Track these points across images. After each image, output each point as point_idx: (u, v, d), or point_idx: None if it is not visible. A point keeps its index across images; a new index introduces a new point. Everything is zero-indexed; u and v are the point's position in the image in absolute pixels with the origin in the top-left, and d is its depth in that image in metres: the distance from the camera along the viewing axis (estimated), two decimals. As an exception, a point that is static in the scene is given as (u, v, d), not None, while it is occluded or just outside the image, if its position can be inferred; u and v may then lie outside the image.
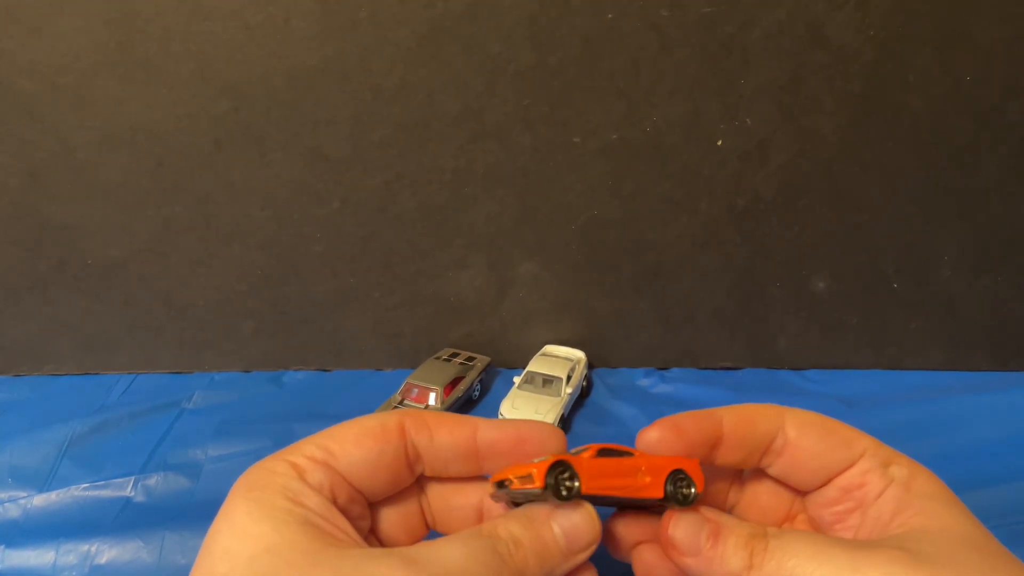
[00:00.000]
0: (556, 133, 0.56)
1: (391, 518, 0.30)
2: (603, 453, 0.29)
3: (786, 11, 0.52)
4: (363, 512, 0.29)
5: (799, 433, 0.30)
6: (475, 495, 0.31)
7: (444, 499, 0.31)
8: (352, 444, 0.28)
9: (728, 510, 0.33)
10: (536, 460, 0.27)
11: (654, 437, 0.30)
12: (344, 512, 0.27)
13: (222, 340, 0.65)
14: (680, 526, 0.27)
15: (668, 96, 0.55)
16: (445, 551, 0.24)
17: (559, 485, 0.27)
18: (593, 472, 0.27)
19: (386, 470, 0.29)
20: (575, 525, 0.27)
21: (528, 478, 0.27)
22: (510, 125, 0.56)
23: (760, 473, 0.32)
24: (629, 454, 0.29)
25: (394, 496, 0.30)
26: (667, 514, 0.28)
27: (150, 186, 0.58)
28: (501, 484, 0.29)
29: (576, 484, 0.27)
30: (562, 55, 0.54)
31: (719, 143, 0.57)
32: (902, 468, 0.29)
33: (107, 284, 0.62)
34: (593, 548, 0.27)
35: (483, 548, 0.25)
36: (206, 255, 0.61)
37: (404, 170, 0.58)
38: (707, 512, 0.28)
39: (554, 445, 0.30)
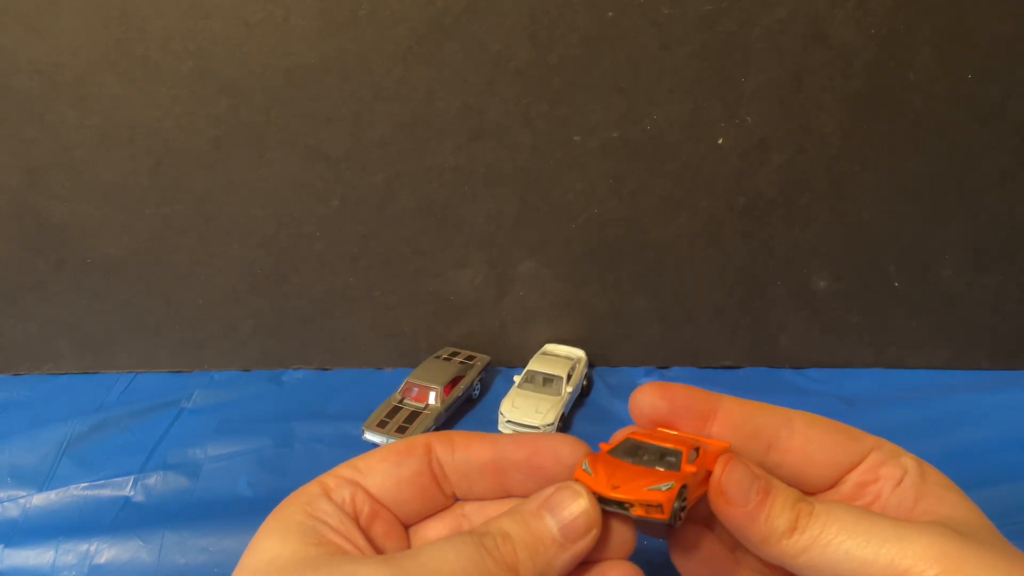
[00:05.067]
0: (556, 131, 0.56)
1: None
2: (628, 447, 0.29)
3: (787, 9, 0.52)
4: (390, 530, 0.28)
5: (807, 425, 0.30)
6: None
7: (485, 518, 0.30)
8: (377, 460, 0.29)
9: None
10: (663, 487, 0.26)
11: (646, 401, 0.30)
12: (367, 528, 0.27)
13: (222, 339, 0.65)
14: (733, 476, 0.27)
15: (669, 94, 0.55)
16: (428, 550, 0.24)
17: (677, 515, 0.26)
18: (692, 488, 0.27)
19: (409, 484, 0.29)
20: (570, 512, 0.26)
21: (657, 508, 0.26)
22: (510, 123, 0.56)
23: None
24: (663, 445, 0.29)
25: (437, 521, 0.30)
26: (721, 461, 0.28)
27: (149, 185, 0.58)
28: (607, 502, 0.27)
29: (685, 506, 0.26)
30: (562, 53, 0.54)
31: (720, 141, 0.56)
32: (913, 460, 0.29)
33: (106, 283, 0.62)
34: (594, 535, 0.26)
35: (467, 544, 0.25)
36: (205, 254, 0.61)
37: (404, 168, 0.58)
38: (757, 470, 0.28)
39: (569, 456, 0.29)
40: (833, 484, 0.30)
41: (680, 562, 0.30)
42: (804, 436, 0.30)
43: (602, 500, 0.27)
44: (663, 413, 0.30)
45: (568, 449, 0.29)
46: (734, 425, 0.30)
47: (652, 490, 0.26)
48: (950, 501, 0.27)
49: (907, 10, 0.52)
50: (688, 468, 0.27)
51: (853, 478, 0.30)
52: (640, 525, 0.28)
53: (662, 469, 0.27)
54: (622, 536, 0.27)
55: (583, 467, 0.28)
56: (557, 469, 0.29)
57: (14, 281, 0.62)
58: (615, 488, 0.26)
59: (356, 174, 0.58)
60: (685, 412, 0.30)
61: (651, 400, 0.30)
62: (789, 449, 0.30)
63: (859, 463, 0.30)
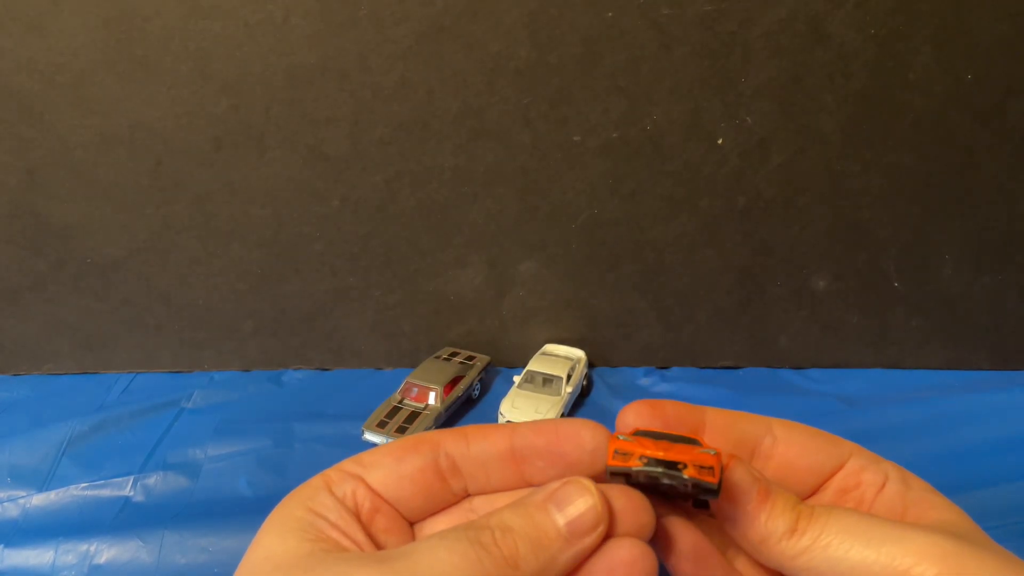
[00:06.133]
0: (556, 131, 0.56)
1: None
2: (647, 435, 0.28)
3: (787, 9, 0.52)
4: (392, 526, 0.28)
5: (787, 432, 0.30)
6: None
7: None
8: (381, 455, 0.28)
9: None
10: (708, 450, 0.26)
11: (640, 421, 0.29)
12: (368, 523, 0.27)
13: (221, 339, 0.65)
14: (736, 474, 0.27)
15: (668, 94, 0.55)
16: (420, 548, 0.24)
17: (720, 484, 0.25)
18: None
19: (411, 480, 0.28)
20: (577, 508, 0.25)
21: (709, 470, 0.25)
22: (510, 123, 0.56)
23: None
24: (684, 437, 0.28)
25: (444, 517, 0.29)
26: (723, 459, 0.27)
27: (149, 185, 0.58)
28: (656, 463, 0.26)
29: (722, 479, 0.26)
30: (562, 53, 0.54)
31: (720, 141, 0.56)
32: (893, 466, 0.29)
33: (106, 283, 0.62)
34: (600, 532, 0.25)
35: (460, 540, 0.24)
36: (205, 254, 0.61)
37: (404, 168, 0.58)
38: (758, 472, 0.27)
39: (590, 441, 0.28)
40: (814, 491, 0.30)
41: (670, 563, 0.30)
42: (785, 442, 0.30)
43: (651, 462, 0.26)
44: (655, 430, 0.29)
45: (589, 434, 0.28)
46: (720, 435, 0.30)
47: (703, 452, 0.25)
48: (939, 507, 0.27)
49: (907, 10, 0.52)
50: (710, 448, 0.27)
51: (834, 484, 0.30)
52: (673, 495, 0.28)
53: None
54: (640, 519, 0.27)
55: (619, 439, 0.27)
56: (578, 454, 0.28)
57: (14, 281, 0.62)
58: (666, 451, 0.26)
59: (356, 174, 0.58)
60: (677, 427, 0.29)
61: (644, 420, 0.29)
62: (772, 455, 0.30)
63: (839, 468, 0.30)
